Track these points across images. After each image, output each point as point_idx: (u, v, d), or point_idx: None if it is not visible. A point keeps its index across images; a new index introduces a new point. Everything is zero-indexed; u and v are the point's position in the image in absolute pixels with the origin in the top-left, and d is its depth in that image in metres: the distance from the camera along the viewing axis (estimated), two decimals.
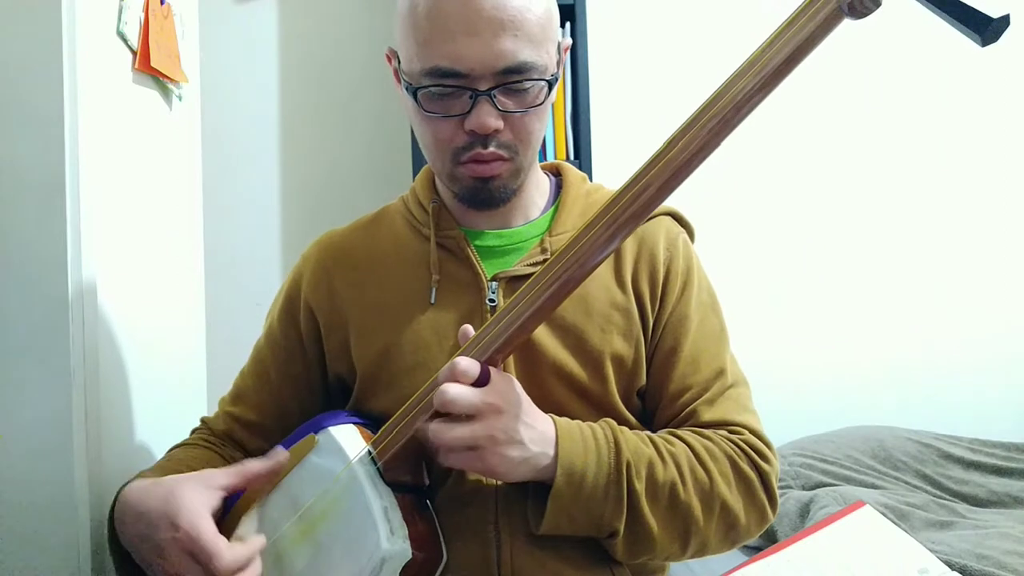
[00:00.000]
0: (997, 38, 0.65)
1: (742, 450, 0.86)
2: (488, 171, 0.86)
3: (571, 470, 0.79)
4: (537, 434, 0.79)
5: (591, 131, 1.83)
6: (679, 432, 0.87)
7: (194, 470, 0.91)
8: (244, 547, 0.75)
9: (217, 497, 0.79)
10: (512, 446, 0.77)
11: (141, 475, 0.88)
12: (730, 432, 0.87)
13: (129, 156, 1.09)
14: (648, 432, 0.87)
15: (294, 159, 2.07)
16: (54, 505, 0.91)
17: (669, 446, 0.84)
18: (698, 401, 0.88)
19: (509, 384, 0.79)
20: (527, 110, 0.84)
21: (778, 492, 0.88)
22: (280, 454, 0.84)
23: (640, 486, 0.80)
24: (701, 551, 0.86)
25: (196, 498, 0.76)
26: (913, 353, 2.19)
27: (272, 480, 0.85)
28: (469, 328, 0.81)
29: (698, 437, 0.86)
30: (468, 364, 0.77)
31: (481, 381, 0.77)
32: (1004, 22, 0.65)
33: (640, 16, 2.14)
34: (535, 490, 0.83)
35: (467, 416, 0.76)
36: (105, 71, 1.01)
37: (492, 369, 0.78)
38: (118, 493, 0.85)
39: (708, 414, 0.88)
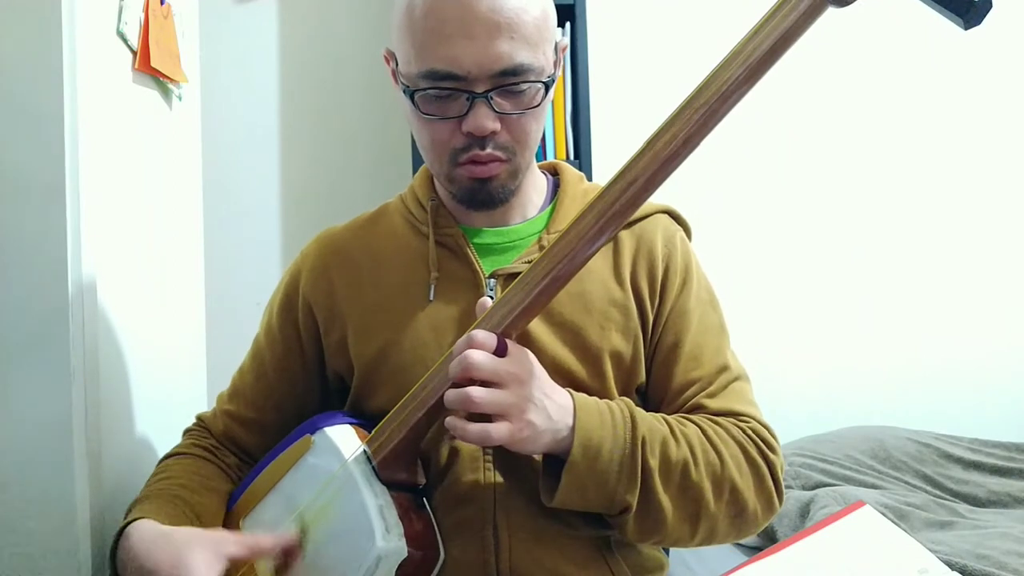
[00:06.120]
0: (980, 21, 0.65)
1: (751, 438, 0.86)
2: (486, 172, 0.86)
3: (588, 442, 0.79)
4: (556, 405, 0.79)
5: (591, 131, 1.83)
6: (691, 416, 0.87)
7: (191, 488, 0.91)
8: None
9: (224, 564, 0.78)
10: (537, 413, 0.77)
11: (142, 509, 0.85)
12: (738, 420, 0.87)
13: (129, 156, 1.09)
14: (662, 414, 0.87)
15: (294, 159, 2.06)
16: (54, 505, 0.91)
17: (682, 427, 0.84)
18: (702, 394, 0.89)
19: (526, 355, 0.79)
20: (524, 112, 0.84)
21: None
22: (291, 533, 0.83)
23: (654, 463, 0.81)
24: (710, 537, 0.85)
25: (205, 570, 0.76)
26: (913, 353, 2.19)
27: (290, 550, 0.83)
28: (487, 300, 0.82)
29: (709, 422, 0.86)
30: (485, 336, 0.77)
31: (499, 352, 0.77)
32: (986, 5, 0.65)
33: (640, 16, 2.14)
34: (547, 463, 0.83)
35: (491, 385, 0.75)
36: (105, 71, 1.01)
37: (508, 341, 0.78)
38: (121, 530, 0.83)
39: (714, 405, 0.88)
